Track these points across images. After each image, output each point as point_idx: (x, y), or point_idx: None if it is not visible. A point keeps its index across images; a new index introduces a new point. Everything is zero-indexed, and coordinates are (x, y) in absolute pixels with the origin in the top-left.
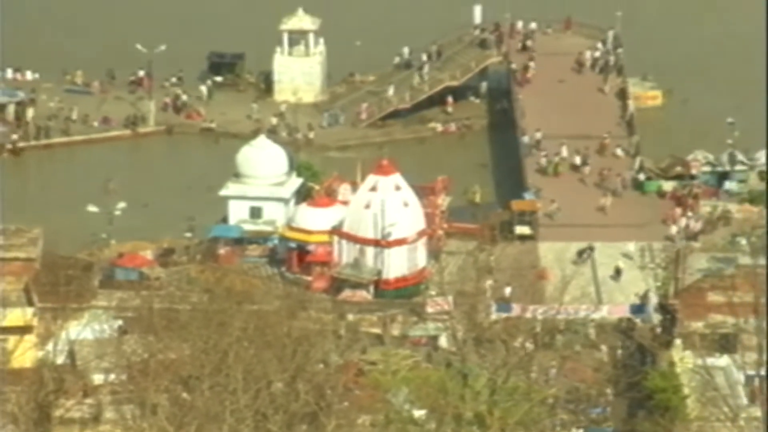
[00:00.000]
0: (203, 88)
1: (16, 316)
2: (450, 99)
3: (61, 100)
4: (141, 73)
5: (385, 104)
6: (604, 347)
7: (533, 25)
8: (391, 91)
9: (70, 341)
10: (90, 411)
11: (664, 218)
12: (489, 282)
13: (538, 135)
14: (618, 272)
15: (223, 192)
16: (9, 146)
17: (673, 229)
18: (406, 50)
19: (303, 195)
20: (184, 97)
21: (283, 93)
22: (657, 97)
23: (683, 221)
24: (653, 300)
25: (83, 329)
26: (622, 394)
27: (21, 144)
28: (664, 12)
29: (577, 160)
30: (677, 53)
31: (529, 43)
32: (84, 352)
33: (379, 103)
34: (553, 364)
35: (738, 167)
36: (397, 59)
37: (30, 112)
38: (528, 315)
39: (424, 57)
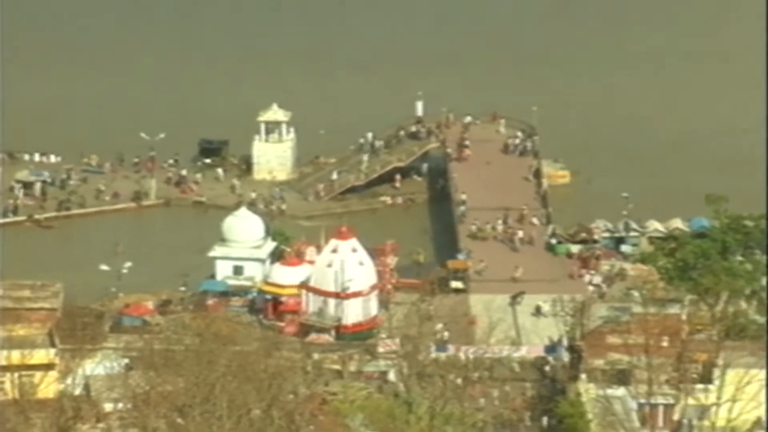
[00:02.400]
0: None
1: (41, 355)
2: (398, 177)
3: (79, 178)
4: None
5: (344, 181)
6: (527, 381)
7: (468, 119)
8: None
9: (85, 376)
10: None
11: (571, 275)
12: (439, 326)
13: (469, 206)
14: (538, 310)
15: (211, 253)
16: (37, 218)
17: (589, 288)
18: (369, 135)
19: (277, 256)
20: (183, 172)
21: (260, 173)
22: (566, 176)
23: (588, 277)
24: (564, 341)
25: (96, 366)
26: (538, 420)
27: (45, 215)
28: (571, 108)
29: (499, 226)
30: (582, 141)
31: (464, 132)
32: (97, 385)
33: (340, 180)
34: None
35: (632, 233)
36: (362, 140)
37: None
38: (461, 354)
39: (378, 143)
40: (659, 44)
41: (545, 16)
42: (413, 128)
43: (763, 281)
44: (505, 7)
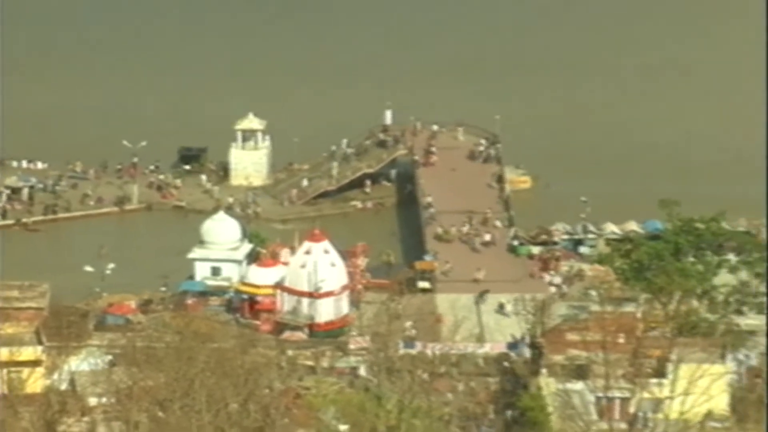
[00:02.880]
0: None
1: (28, 352)
2: (368, 182)
3: (65, 184)
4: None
5: (317, 187)
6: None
7: (435, 127)
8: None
9: (71, 372)
10: (86, 427)
11: (532, 275)
12: (407, 324)
13: (435, 210)
14: (502, 307)
15: (190, 255)
16: (24, 221)
17: (549, 288)
18: (344, 142)
19: (253, 257)
20: (161, 177)
21: (237, 178)
22: (527, 182)
23: (548, 278)
24: (525, 339)
25: (81, 363)
26: (502, 413)
27: (33, 219)
28: (533, 117)
29: (464, 229)
30: (543, 148)
31: (431, 140)
32: (82, 380)
33: (313, 186)
34: (448, 389)
35: (589, 236)
36: (333, 147)
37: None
38: (428, 351)
39: (348, 150)
40: (619, 56)
41: (510, 31)
42: (381, 136)
43: (713, 281)
44: (472, 21)
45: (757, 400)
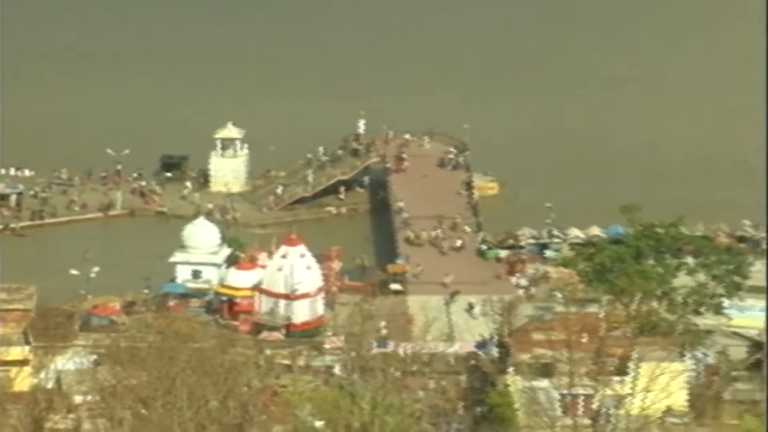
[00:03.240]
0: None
1: (16, 352)
2: (342, 189)
3: (51, 191)
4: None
5: (293, 193)
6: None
7: (407, 136)
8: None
9: (57, 371)
10: (72, 424)
11: (500, 277)
12: (381, 324)
13: (407, 215)
14: (471, 307)
15: (172, 259)
16: (12, 227)
17: (516, 289)
18: (321, 149)
19: (232, 261)
20: (144, 183)
21: (217, 185)
22: (494, 188)
23: (515, 280)
24: (493, 338)
25: (67, 362)
26: (471, 409)
27: (20, 224)
28: (500, 125)
29: (434, 233)
30: (510, 156)
31: (402, 148)
32: (68, 379)
33: (289, 192)
34: (419, 387)
35: (554, 240)
36: (309, 155)
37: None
38: (400, 350)
39: (323, 158)
40: (585, 66)
41: (478, 42)
42: (354, 145)
43: (673, 283)
44: (442, 32)
45: (714, 397)
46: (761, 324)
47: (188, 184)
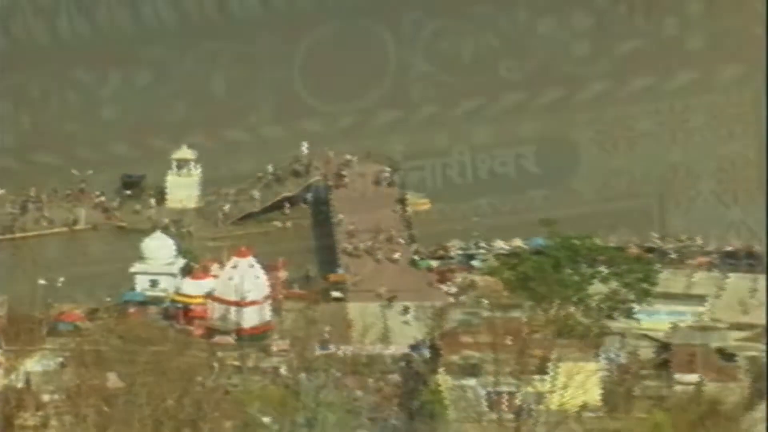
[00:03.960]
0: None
1: None
2: (287, 205)
3: (35, 208)
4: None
5: (243, 209)
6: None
7: (347, 156)
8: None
9: (26, 372)
10: (40, 421)
11: (431, 285)
12: (324, 328)
13: (346, 229)
14: (406, 309)
15: (132, 269)
16: None
17: (446, 296)
18: (270, 167)
19: (186, 271)
20: (103, 199)
21: (173, 202)
22: (426, 204)
23: (445, 288)
24: (425, 341)
25: (36, 364)
26: (405, 405)
27: None
28: (430, 147)
29: (371, 245)
30: (440, 174)
31: (342, 167)
32: (36, 379)
33: (239, 208)
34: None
35: (481, 251)
36: (259, 174)
37: None
38: (341, 352)
39: (271, 177)
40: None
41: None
42: (297, 166)
43: (588, 290)
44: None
45: (625, 393)
46: (666, 327)
47: (152, 201)
